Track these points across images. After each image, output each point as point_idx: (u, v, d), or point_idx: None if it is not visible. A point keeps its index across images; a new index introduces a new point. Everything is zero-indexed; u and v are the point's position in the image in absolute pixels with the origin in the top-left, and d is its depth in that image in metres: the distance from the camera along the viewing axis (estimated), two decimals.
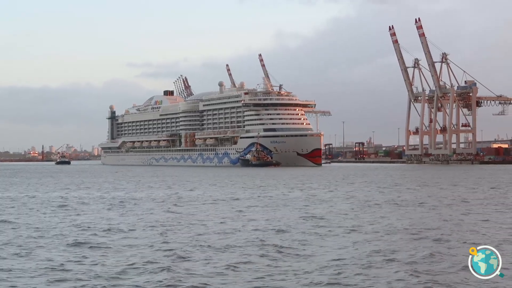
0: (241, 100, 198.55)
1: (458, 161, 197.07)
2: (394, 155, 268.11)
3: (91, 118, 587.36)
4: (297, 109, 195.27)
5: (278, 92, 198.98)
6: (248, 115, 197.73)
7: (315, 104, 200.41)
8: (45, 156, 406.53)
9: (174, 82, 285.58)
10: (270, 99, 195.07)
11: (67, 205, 48.17)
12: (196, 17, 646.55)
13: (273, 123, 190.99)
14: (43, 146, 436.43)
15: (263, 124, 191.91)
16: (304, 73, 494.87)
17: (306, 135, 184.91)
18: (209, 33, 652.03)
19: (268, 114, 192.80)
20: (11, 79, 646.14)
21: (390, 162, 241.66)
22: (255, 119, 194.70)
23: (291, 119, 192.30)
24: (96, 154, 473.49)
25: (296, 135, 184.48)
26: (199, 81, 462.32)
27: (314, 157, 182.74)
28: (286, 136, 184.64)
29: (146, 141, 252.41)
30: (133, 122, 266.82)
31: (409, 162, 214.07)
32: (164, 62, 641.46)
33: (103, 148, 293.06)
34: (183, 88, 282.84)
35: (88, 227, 33.45)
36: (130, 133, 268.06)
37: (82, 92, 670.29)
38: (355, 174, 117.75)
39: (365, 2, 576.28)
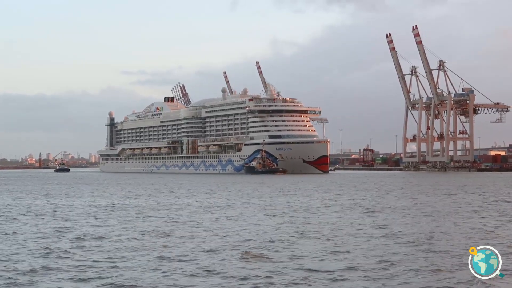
0: (246, 107, 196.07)
1: (456, 168, 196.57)
2: (391, 162, 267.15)
3: (87, 126, 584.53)
4: (302, 116, 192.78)
5: (283, 98, 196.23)
6: (253, 122, 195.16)
7: (320, 111, 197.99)
8: (42, 163, 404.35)
9: (171, 90, 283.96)
10: (275, 105, 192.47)
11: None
12: (189, 25, 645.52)
13: (278, 130, 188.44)
14: (40, 153, 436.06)
15: (268, 130, 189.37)
16: (299, 81, 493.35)
17: (312, 142, 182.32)
18: (203, 41, 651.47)
19: (273, 121, 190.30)
20: (6, 87, 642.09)
21: (388, 169, 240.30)
22: (260, 126, 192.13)
23: (296, 125, 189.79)
24: (93, 161, 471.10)
25: (302, 142, 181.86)
26: (193, 88, 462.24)
27: (321, 164, 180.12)
28: (292, 143, 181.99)
29: (147, 148, 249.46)
30: (132, 129, 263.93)
31: (406, 169, 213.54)
32: (158, 69, 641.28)
33: (101, 155, 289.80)
34: (181, 96, 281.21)
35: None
36: (129, 140, 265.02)
37: (78, 100, 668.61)
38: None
39: (355, 10, 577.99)
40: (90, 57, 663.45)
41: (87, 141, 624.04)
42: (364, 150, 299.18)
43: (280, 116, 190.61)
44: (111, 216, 43.86)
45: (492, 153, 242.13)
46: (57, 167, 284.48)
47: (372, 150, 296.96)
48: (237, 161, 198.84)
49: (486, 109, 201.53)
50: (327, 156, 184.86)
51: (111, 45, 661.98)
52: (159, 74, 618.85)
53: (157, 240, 30.13)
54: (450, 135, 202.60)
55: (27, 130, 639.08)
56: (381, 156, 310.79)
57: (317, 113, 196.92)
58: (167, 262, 23.94)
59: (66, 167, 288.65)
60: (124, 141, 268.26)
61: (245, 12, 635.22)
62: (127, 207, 52.28)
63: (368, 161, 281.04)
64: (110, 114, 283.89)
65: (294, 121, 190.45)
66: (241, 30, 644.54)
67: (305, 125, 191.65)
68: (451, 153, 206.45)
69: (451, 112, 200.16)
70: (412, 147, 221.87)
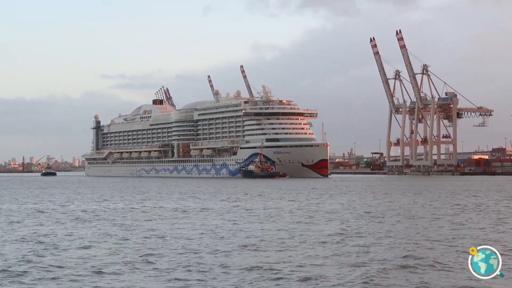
0: (241, 109, 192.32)
1: (439, 172, 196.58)
2: (375, 166, 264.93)
3: (70, 129, 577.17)
4: (299, 119, 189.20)
5: (279, 100, 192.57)
6: (249, 125, 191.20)
7: (317, 113, 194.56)
8: (26, 167, 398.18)
9: (155, 93, 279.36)
10: (272, 108, 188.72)
11: None
12: (166, 29, 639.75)
13: (275, 133, 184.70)
14: (23, 157, 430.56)
15: (265, 134, 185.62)
16: (281, 84, 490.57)
17: (311, 145, 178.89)
18: (181, 44, 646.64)
19: (270, 124, 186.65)
20: None
21: (372, 173, 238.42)
22: (256, 129, 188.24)
23: (294, 128, 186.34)
24: (77, 165, 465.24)
25: (301, 145, 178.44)
26: (175, 92, 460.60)
27: (320, 168, 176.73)
28: (291, 146, 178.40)
29: (136, 151, 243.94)
30: (120, 132, 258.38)
31: (390, 173, 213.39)
32: (137, 73, 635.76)
33: (87, 159, 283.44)
34: (165, 99, 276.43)
35: None
36: (116, 144, 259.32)
37: (59, 103, 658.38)
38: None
39: (328, 15, 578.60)
40: (68, 61, 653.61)
41: (70, 145, 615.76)
42: (371, 153, 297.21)
43: (277, 119, 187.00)
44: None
45: (475, 157, 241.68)
46: (43, 171, 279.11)
47: (381, 154, 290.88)
48: (233, 165, 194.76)
49: (469, 113, 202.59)
50: (327, 159, 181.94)
51: (89, 48, 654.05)
52: (139, 78, 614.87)
53: None
54: (434, 139, 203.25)
55: (8, 134, 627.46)
56: (365, 160, 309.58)
57: (313, 116, 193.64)
58: None
59: (52, 171, 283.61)
60: (111, 144, 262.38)
61: (219, 17, 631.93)
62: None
63: (379, 164, 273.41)
64: (96, 117, 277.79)
65: (291, 123, 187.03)
66: (220, 34, 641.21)
67: (303, 128, 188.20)
68: (434, 157, 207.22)
69: (435, 116, 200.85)
70: (395, 151, 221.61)
